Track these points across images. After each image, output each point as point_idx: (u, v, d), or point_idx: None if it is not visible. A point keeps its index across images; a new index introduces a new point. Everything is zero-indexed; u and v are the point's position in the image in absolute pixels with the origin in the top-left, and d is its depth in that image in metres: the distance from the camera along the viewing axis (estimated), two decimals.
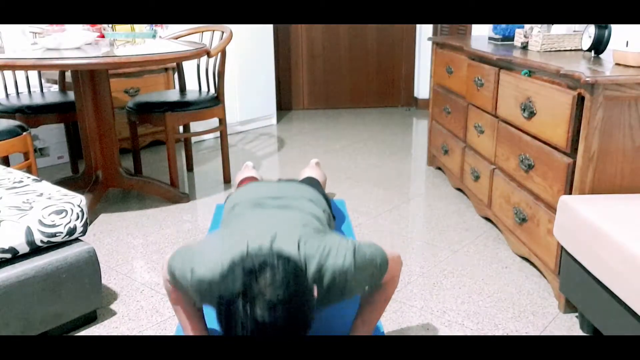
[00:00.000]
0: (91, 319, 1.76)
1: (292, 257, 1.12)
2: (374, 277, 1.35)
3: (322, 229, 1.40)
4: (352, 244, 1.31)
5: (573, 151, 1.72)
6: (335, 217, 1.93)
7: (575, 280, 1.63)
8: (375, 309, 1.47)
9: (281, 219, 1.40)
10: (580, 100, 1.67)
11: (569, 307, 1.79)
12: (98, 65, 2.18)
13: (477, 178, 2.52)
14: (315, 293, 1.17)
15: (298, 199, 1.62)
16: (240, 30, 4.03)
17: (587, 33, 2.12)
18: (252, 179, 2.32)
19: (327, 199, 1.87)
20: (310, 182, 2.19)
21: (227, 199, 1.79)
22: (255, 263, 1.07)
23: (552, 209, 1.84)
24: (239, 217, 1.49)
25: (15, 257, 1.54)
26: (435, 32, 4.70)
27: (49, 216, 1.57)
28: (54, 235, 1.59)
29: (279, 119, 4.71)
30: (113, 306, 1.86)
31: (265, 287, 1.04)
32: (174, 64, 3.60)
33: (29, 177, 1.84)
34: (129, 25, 2.92)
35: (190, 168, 3.33)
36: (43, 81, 3.45)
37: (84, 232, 1.67)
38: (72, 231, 1.63)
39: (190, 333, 1.49)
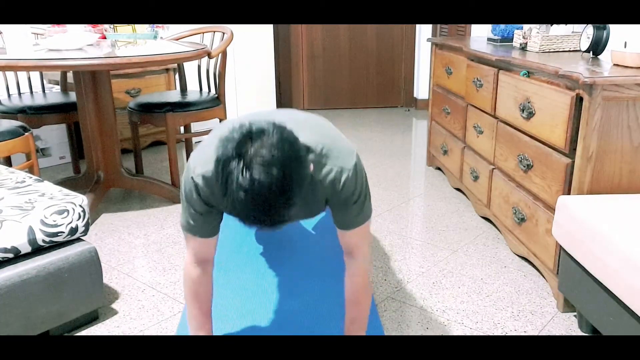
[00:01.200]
0: (93, 318, 1.77)
1: (287, 128, 1.10)
2: (360, 203, 1.34)
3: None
4: (352, 164, 1.29)
5: (572, 151, 1.73)
6: None
7: (573, 280, 1.64)
8: (358, 302, 1.45)
9: (279, 118, 1.35)
10: (579, 100, 1.68)
11: (568, 306, 1.80)
12: (99, 66, 2.19)
13: (476, 178, 2.53)
14: (311, 168, 1.15)
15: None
16: (240, 31, 4.04)
17: (585, 34, 2.12)
18: None
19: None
20: None
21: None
22: (252, 128, 1.06)
23: (551, 209, 1.85)
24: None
25: (17, 256, 1.55)
26: (434, 33, 4.71)
27: (51, 216, 1.58)
28: (55, 234, 1.60)
29: None
30: (114, 305, 1.87)
31: (261, 148, 1.03)
32: (175, 64, 3.61)
33: (31, 177, 1.85)
34: (130, 26, 2.93)
35: None
36: (45, 82, 3.46)
37: (85, 232, 1.68)
38: (73, 231, 1.64)
39: (196, 330, 1.48)
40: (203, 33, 3.15)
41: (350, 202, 1.33)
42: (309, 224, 2.45)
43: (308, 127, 1.32)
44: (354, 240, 1.40)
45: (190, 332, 1.49)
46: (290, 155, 1.05)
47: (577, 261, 1.60)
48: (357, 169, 1.31)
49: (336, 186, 1.28)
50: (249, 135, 1.05)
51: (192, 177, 1.26)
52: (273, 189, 1.02)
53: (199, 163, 1.26)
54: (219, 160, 1.06)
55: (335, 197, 1.31)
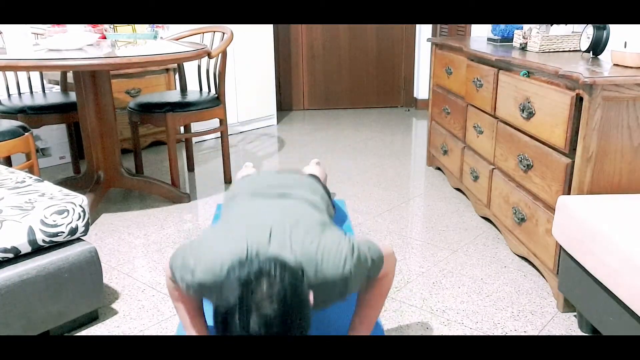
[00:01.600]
0: (93, 318, 1.77)
1: (288, 264, 1.12)
2: (370, 275, 1.36)
3: (321, 222, 1.38)
4: (350, 246, 1.30)
5: (572, 151, 1.73)
6: (335, 207, 1.93)
7: (573, 280, 1.64)
8: (372, 306, 1.47)
9: (279, 210, 1.39)
10: (579, 100, 1.68)
11: (568, 306, 1.80)
12: (100, 66, 2.19)
13: (476, 178, 2.53)
14: (312, 299, 1.17)
15: (297, 187, 1.61)
16: (240, 31, 4.04)
17: (585, 34, 2.12)
18: None
19: (327, 190, 1.87)
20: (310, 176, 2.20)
21: (229, 189, 1.79)
22: (251, 272, 1.08)
23: (551, 209, 1.85)
24: (237, 207, 1.48)
25: (17, 256, 1.55)
26: (434, 33, 4.71)
27: (51, 216, 1.59)
28: (55, 235, 1.60)
29: (279, 119, 4.72)
30: (114, 305, 1.87)
31: (261, 300, 1.05)
32: (175, 64, 3.61)
33: (30, 177, 1.85)
34: (130, 26, 2.93)
35: (191, 168, 3.34)
36: (45, 82, 3.46)
37: (85, 232, 1.68)
38: (73, 231, 1.64)
39: (190, 331, 1.50)
40: (203, 33, 3.15)
41: (357, 287, 1.36)
42: None
43: (310, 224, 1.35)
44: (383, 275, 1.44)
45: (185, 331, 1.51)
46: (292, 302, 1.08)
47: (577, 261, 1.60)
48: (355, 266, 1.30)
49: (342, 293, 1.30)
50: (248, 285, 1.07)
51: (190, 277, 1.28)
52: (275, 335, 1.06)
53: (200, 265, 1.27)
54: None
55: (345, 296, 1.34)
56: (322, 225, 1.36)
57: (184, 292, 1.36)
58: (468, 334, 1.69)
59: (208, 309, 1.66)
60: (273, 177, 1.72)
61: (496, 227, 2.44)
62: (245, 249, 1.26)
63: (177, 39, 3.18)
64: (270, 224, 1.32)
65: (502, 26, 2.66)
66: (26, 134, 2.35)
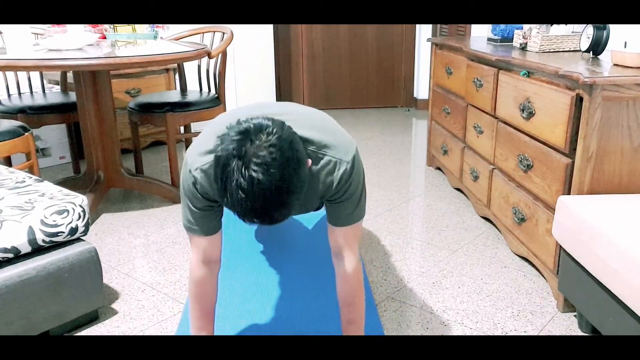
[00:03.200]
0: (93, 318, 1.77)
1: (287, 125, 1.10)
2: (355, 199, 1.34)
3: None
4: (350, 157, 1.29)
5: (572, 151, 1.73)
6: None
7: (573, 280, 1.64)
8: (353, 304, 1.44)
9: (278, 110, 1.36)
10: (579, 100, 1.68)
11: (568, 306, 1.80)
12: (99, 66, 2.19)
13: (476, 178, 2.53)
14: (309, 163, 1.15)
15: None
16: (240, 31, 4.04)
17: (585, 34, 2.12)
18: None
19: None
20: None
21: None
22: (251, 126, 1.06)
23: (551, 208, 1.85)
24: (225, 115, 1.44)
25: (17, 256, 1.55)
26: (434, 33, 4.71)
27: (51, 216, 1.58)
28: (55, 235, 1.60)
29: None
30: (114, 305, 1.87)
31: (259, 148, 1.03)
32: (175, 64, 3.61)
33: (30, 177, 1.85)
34: (130, 26, 2.93)
35: None
36: (45, 82, 3.46)
37: (85, 232, 1.68)
38: (73, 231, 1.64)
39: (196, 327, 1.47)
40: (203, 33, 3.15)
41: (345, 196, 1.32)
42: (309, 222, 2.45)
43: (307, 120, 1.32)
44: (345, 239, 1.39)
45: (192, 332, 1.48)
46: (289, 155, 1.05)
47: (577, 261, 1.60)
48: (354, 163, 1.30)
49: (333, 178, 1.28)
50: (248, 134, 1.05)
51: (190, 171, 1.26)
52: (272, 190, 1.03)
53: (197, 157, 1.26)
54: (217, 160, 1.06)
55: (331, 190, 1.30)
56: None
57: (193, 204, 1.30)
58: (468, 334, 1.69)
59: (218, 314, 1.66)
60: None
61: (496, 227, 2.44)
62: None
63: (177, 39, 3.18)
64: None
65: (502, 26, 2.66)
66: (26, 133, 2.35)
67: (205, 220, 1.33)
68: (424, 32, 4.81)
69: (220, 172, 1.05)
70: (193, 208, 1.31)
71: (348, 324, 1.46)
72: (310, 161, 1.18)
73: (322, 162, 1.26)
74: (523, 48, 2.39)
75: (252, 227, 2.41)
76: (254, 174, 1.02)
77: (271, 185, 1.02)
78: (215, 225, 1.36)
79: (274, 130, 1.06)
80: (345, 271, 1.41)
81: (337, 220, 1.38)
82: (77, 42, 2.44)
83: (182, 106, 2.75)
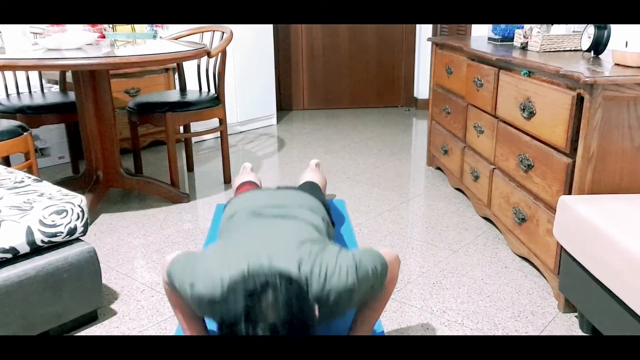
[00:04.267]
0: (92, 318, 1.76)
1: (293, 277, 1.13)
2: (376, 285, 1.36)
3: (322, 241, 1.39)
4: (352, 260, 1.30)
5: (572, 151, 1.73)
6: (334, 224, 1.93)
7: (574, 280, 1.64)
8: (374, 309, 1.47)
9: (280, 231, 1.39)
10: (580, 100, 1.67)
11: (569, 306, 1.79)
12: (99, 65, 2.18)
13: (476, 178, 2.53)
14: (317, 312, 1.17)
15: (297, 207, 1.61)
16: (240, 30, 4.03)
17: (586, 33, 2.12)
18: (250, 184, 2.31)
19: (327, 206, 1.87)
20: (310, 187, 2.18)
21: (226, 207, 1.78)
22: (256, 284, 1.08)
23: (552, 209, 1.84)
24: (237, 227, 1.49)
25: (16, 257, 1.55)
26: (435, 33, 4.70)
27: (50, 216, 1.58)
28: (54, 235, 1.59)
29: (279, 119, 4.71)
30: (113, 306, 1.86)
31: (267, 309, 1.05)
32: (175, 64, 3.61)
33: (29, 177, 1.85)
34: (129, 26, 2.93)
35: (190, 168, 3.34)
36: (44, 81, 3.45)
37: (84, 232, 1.68)
38: (72, 231, 1.64)
39: (188, 333, 1.49)
40: (202, 32, 3.15)
41: (364, 298, 1.37)
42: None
43: (310, 244, 1.35)
44: (388, 280, 1.44)
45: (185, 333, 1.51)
46: (298, 311, 1.08)
47: (578, 261, 1.60)
48: (359, 279, 1.30)
49: (348, 306, 1.31)
50: (254, 293, 1.07)
51: (189, 289, 1.28)
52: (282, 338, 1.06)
53: (199, 280, 1.27)
54: (223, 320, 1.09)
55: (351, 308, 1.34)
56: (323, 243, 1.37)
57: (181, 298, 1.36)
58: (468, 334, 1.68)
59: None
60: (272, 196, 1.72)
61: (497, 227, 2.43)
62: (246, 263, 1.26)
63: (176, 39, 3.18)
64: (271, 243, 1.32)
65: (503, 26, 2.66)
66: (25, 133, 2.34)
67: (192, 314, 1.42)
68: (424, 32, 4.81)
69: (225, 332, 1.08)
70: (185, 296, 1.33)
71: (361, 323, 1.49)
72: (317, 308, 1.20)
73: (331, 300, 1.28)
74: (524, 48, 2.38)
75: None
76: (261, 332, 1.05)
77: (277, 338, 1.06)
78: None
79: (281, 289, 1.08)
80: (388, 281, 1.45)
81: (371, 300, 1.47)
82: (76, 42, 2.44)
83: (181, 106, 2.75)
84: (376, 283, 1.35)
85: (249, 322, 1.05)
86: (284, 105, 5.02)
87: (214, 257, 1.30)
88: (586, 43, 2.11)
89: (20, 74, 3.33)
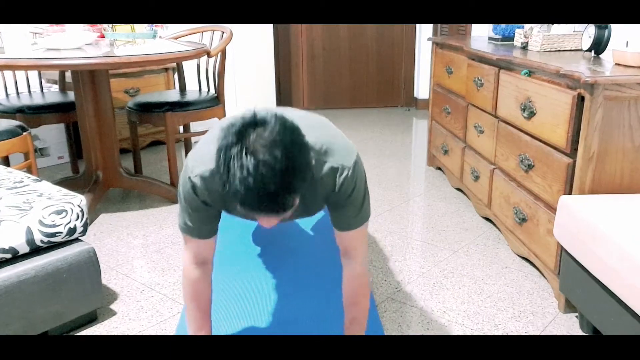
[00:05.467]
0: (91, 318, 1.76)
1: (289, 121, 1.08)
2: (358, 203, 1.33)
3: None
4: (352, 162, 1.28)
5: (573, 151, 1.72)
6: None
7: (575, 280, 1.63)
8: (356, 303, 1.44)
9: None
10: (580, 100, 1.67)
11: (569, 307, 1.79)
12: (98, 65, 2.18)
13: (476, 178, 2.52)
14: (313, 161, 1.14)
15: None
16: (240, 30, 4.03)
17: (587, 33, 2.12)
18: None
19: None
20: None
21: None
22: (254, 116, 1.04)
23: (552, 209, 1.84)
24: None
25: (16, 257, 1.54)
26: (435, 32, 4.70)
27: (49, 216, 1.58)
28: (54, 235, 1.59)
29: None
30: (113, 306, 1.86)
31: (263, 133, 1.01)
32: (174, 64, 3.60)
33: (29, 177, 1.84)
34: (129, 26, 2.92)
35: None
36: (43, 81, 3.45)
37: (84, 232, 1.67)
38: (72, 231, 1.64)
39: (194, 327, 1.46)
40: (202, 32, 3.15)
41: (348, 201, 1.31)
42: (308, 224, 2.45)
43: (308, 124, 1.31)
44: (351, 242, 1.39)
45: (190, 332, 1.48)
46: (293, 139, 1.03)
47: (578, 261, 1.60)
48: (356, 167, 1.30)
49: (335, 183, 1.27)
50: (251, 123, 1.03)
51: (189, 177, 1.25)
52: (276, 171, 1.00)
53: (197, 162, 1.25)
54: (220, 149, 1.04)
55: (333, 195, 1.29)
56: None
57: (191, 208, 1.29)
58: (469, 334, 1.68)
59: (214, 312, 1.65)
60: None
61: (497, 227, 2.43)
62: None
63: (176, 38, 3.17)
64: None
65: (503, 25, 2.65)
66: (24, 133, 2.34)
67: (203, 224, 1.33)
68: (424, 31, 4.80)
69: (222, 159, 1.03)
70: (191, 212, 1.30)
71: (350, 323, 1.47)
72: (313, 161, 1.17)
73: (324, 167, 1.26)
74: (524, 47, 2.38)
75: (250, 229, 2.40)
76: (257, 155, 0.99)
77: (275, 166, 0.99)
78: (212, 229, 1.36)
79: (277, 120, 1.04)
80: (352, 272, 1.42)
81: (341, 224, 1.38)
82: (75, 42, 2.44)
83: (181, 106, 2.75)
84: (360, 204, 1.33)
85: (244, 145, 1.00)
86: (284, 105, 5.02)
87: (206, 140, 1.27)
88: (587, 43, 2.11)
89: (20, 74, 3.32)
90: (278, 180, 1.01)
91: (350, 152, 1.30)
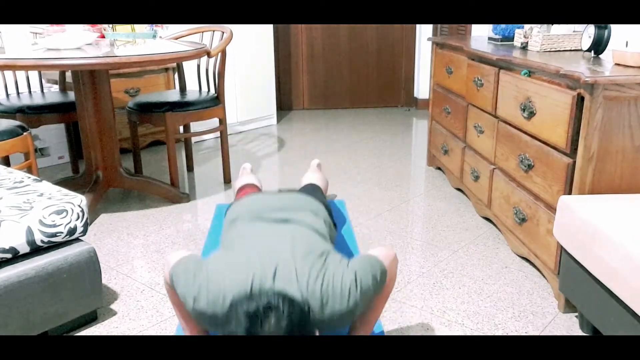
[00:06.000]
0: (91, 318, 1.76)
1: (295, 300, 1.13)
2: (377, 292, 1.37)
3: (325, 252, 1.39)
4: (353, 278, 1.31)
5: (573, 151, 1.72)
6: (336, 226, 1.93)
7: (574, 280, 1.63)
8: (374, 308, 1.47)
9: (283, 240, 1.39)
10: (580, 100, 1.67)
11: (569, 307, 1.79)
12: (98, 65, 2.18)
13: (476, 178, 2.52)
14: (317, 332, 1.19)
15: (299, 211, 1.61)
16: (240, 30, 4.03)
17: (586, 33, 2.12)
18: (251, 187, 2.29)
19: (328, 208, 1.87)
20: (312, 189, 2.17)
21: (227, 210, 1.77)
22: (259, 305, 1.09)
23: (552, 209, 1.84)
24: (240, 233, 1.49)
25: (16, 257, 1.54)
26: (435, 32, 4.70)
27: (50, 216, 1.58)
28: (54, 235, 1.59)
29: (279, 119, 4.71)
30: (113, 306, 1.86)
31: (267, 330, 1.06)
32: (174, 64, 3.60)
33: (29, 177, 1.84)
34: (129, 26, 2.92)
35: (190, 168, 3.34)
36: (43, 81, 3.45)
37: (84, 232, 1.68)
38: (72, 231, 1.64)
39: (188, 332, 1.49)
40: (202, 32, 3.15)
41: (366, 306, 1.36)
42: None
43: (313, 256, 1.35)
44: (387, 281, 1.44)
45: (187, 333, 1.50)
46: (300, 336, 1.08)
47: (578, 261, 1.60)
48: (362, 295, 1.31)
49: (351, 319, 1.32)
50: (256, 316, 1.08)
51: (191, 304, 1.29)
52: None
53: (202, 296, 1.27)
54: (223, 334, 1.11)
55: (353, 319, 1.35)
56: (325, 256, 1.37)
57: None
58: (469, 334, 1.68)
59: None
60: (274, 200, 1.71)
61: (497, 227, 2.43)
62: (250, 282, 1.26)
63: (176, 38, 3.18)
64: (274, 257, 1.32)
65: (503, 25, 2.65)
66: (25, 133, 2.34)
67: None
68: (424, 31, 4.81)
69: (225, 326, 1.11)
70: (187, 306, 1.33)
71: (361, 324, 1.50)
72: (317, 332, 1.22)
73: (334, 320, 1.30)
74: (524, 47, 2.38)
75: None
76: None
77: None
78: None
79: (283, 313, 1.09)
80: (389, 278, 1.45)
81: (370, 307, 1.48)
82: (75, 42, 2.44)
83: (181, 106, 2.75)
84: (377, 290, 1.36)
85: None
86: (284, 105, 5.02)
87: (217, 271, 1.30)
88: (586, 43, 2.11)
89: (20, 74, 3.32)
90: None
91: (351, 280, 1.32)
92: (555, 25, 2.26)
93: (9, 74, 3.29)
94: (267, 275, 1.27)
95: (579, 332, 1.70)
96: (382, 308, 1.49)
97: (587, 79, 1.57)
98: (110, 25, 2.87)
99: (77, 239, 1.68)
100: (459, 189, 2.92)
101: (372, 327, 1.50)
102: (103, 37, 2.91)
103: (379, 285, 1.35)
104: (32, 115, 2.75)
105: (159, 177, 3.18)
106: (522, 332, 1.69)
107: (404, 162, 3.43)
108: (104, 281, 2.02)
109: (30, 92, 3.08)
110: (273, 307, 1.09)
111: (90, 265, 1.67)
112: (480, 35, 3.48)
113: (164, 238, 2.37)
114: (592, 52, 2.07)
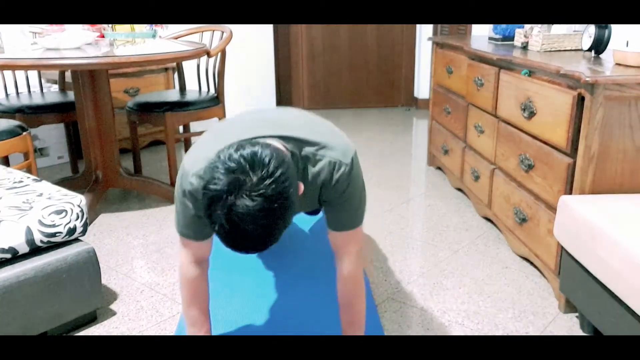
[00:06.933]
0: (91, 319, 1.76)
1: (281, 153, 1.09)
2: (354, 203, 1.34)
3: (319, 126, 1.35)
4: (349, 159, 1.28)
5: (573, 151, 1.72)
6: None
7: (575, 280, 1.63)
8: (351, 305, 1.44)
9: (277, 115, 1.35)
10: (581, 100, 1.67)
11: (569, 307, 1.79)
12: (98, 65, 2.17)
13: (477, 178, 2.52)
14: (301, 190, 1.15)
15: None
16: (240, 30, 4.03)
17: (587, 33, 2.12)
18: None
19: None
20: None
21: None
22: (242, 160, 1.05)
23: (552, 209, 1.84)
24: (228, 121, 1.41)
25: (15, 257, 1.54)
26: (435, 32, 4.70)
27: (49, 216, 1.57)
28: (53, 235, 1.59)
29: None
30: (113, 306, 1.86)
31: (249, 192, 1.02)
32: (174, 63, 3.60)
33: (28, 177, 1.84)
34: (128, 25, 2.92)
35: None
36: (43, 81, 3.44)
37: (83, 232, 1.67)
38: (72, 231, 1.63)
39: (193, 327, 1.46)
40: (202, 32, 3.15)
41: (343, 198, 1.32)
42: (307, 225, 2.44)
43: (307, 122, 1.32)
44: (344, 242, 1.39)
45: (189, 332, 1.47)
46: (278, 203, 1.05)
47: (578, 262, 1.59)
48: (354, 166, 1.30)
49: (332, 178, 1.28)
50: (239, 171, 1.04)
51: (186, 177, 1.26)
52: (255, 236, 1.05)
53: (194, 163, 1.25)
54: (204, 194, 1.06)
55: (328, 190, 1.30)
56: (321, 131, 1.33)
57: (188, 211, 1.30)
58: (469, 334, 1.68)
59: (213, 312, 1.65)
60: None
61: (497, 228, 2.43)
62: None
63: (176, 38, 3.17)
64: (267, 123, 1.28)
65: (503, 25, 2.65)
66: (24, 133, 2.34)
67: (199, 226, 1.33)
68: (424, 31, 4.80)
69: (206, 209, 1.06)
70: (187, 214, 1.30)
71: (348, 326, 1.47)
72: (302, 186, 1.18)
73: (321, 163, 1.26)
74: (524, 47, 2.38)
75: None
76: (240, 224, 1.03)
77: (255, 232, 1.04)
78: (208, 231, 1.36)
79: (267, 167, 1.05)
80: (345, 273, 1.42)
81: (336, 224, 1.38)
82: (75, 41, 2.43)
83: (181, 106, 2.74)
84: (358, 208, 1.34)
85: (230, 192, 1.02)
86: (284, 105, 5.02)
87: (204, 145, 1.28)
88: (587, 43, 2.11)
89: (20, 74, 3.32)
90: (257, 240, 1.06)
91: (348, 150, 1.30)
92: (555, 25, 2.25)
93: (8, 73, 3.29)
94: (257, 131, 1.23)
95: (579, 332, 1.69)
96: (361, 303, 1.44)
97: (587, 79, 1.57)
98: (110, 25, 2.87)
99: (77, 239, 1.68)
100: (459, 189, 2.92)
101: (362, 326, 1.46)
102: (102, 36, 2.90)
103: (360, 205, 1.34)
104: (32, 115, 2.75)
105: (158, 177, 3.18)
106: (523, 333, 1.69)
107: (404, 162, 3.43)
108: (103, 281, 2.01)
109: (29, 92, 3.08)
110: (256, 161, 1.05)
111: (90, 266, 1.67)
112: (481, 35, 3.48)
113: (164, 238, 2.37)
114: (593, 51, 2.06)
